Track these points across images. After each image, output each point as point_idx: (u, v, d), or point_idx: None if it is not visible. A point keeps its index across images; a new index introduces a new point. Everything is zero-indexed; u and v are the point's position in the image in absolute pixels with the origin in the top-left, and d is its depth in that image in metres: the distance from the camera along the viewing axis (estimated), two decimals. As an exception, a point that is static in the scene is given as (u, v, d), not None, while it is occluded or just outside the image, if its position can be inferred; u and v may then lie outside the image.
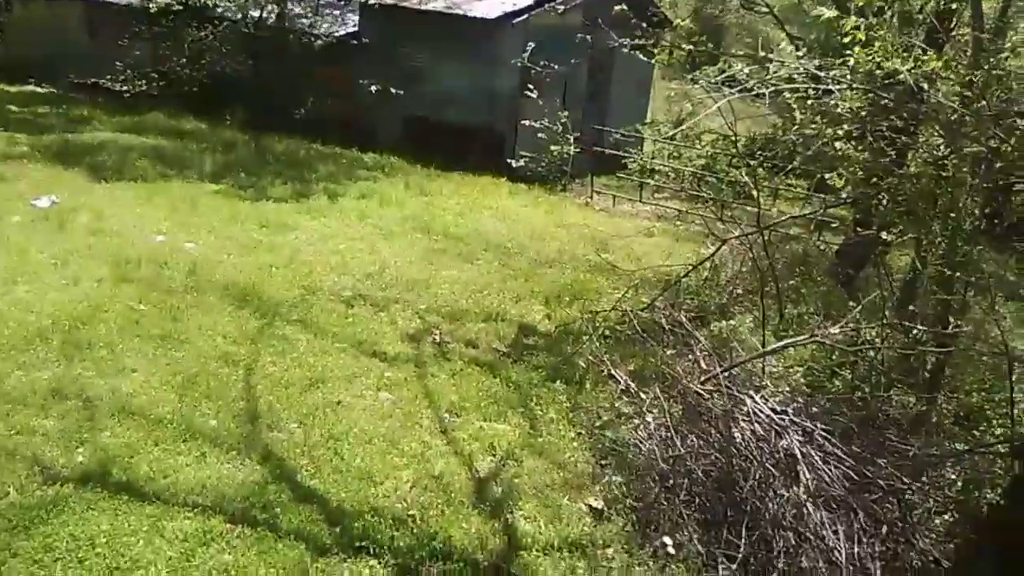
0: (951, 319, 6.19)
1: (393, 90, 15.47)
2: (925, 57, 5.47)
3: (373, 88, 15.54)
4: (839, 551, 4.68)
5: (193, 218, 9.85)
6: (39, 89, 19.44)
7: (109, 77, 17.56)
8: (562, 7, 15.54)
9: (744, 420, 5.30)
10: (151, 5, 17.04)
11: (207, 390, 5.97)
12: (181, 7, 16.84)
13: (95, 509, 4.64)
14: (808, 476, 4.96)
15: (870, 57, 5.89)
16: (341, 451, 5.46)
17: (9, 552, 4.26)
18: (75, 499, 4.70)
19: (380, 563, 4.52)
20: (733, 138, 9.88)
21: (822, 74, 5.99)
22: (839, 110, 6.48)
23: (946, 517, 5.55)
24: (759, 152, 13.33)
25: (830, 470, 5.08)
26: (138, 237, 8.89)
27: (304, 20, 17.41)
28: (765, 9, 21.35)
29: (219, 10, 17.17)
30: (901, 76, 5.63)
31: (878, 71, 5.97)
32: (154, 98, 17.12)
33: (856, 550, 4.74)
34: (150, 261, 8.15)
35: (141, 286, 7.56)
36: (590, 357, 7.24)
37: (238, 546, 4.49)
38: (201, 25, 16.79)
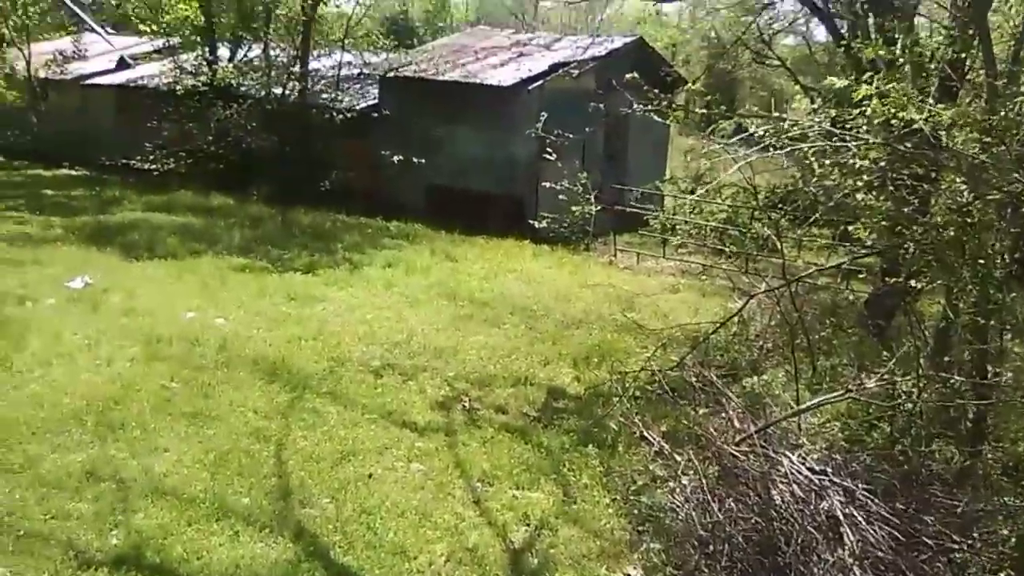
0: (989, 367, 6.07)
1: (414, 160, 15.75)
2: (940, 108, 5.48)
3: (395, 159, 15.83)
4: (890, 616, 4.51)
5: (223, 293, 9.99)
6: (73, 172, 20.04)
7: (139, 158, 18.08)
8: (575, 71, 15.83)
9: (782, 482, 5.18)
10: (178, 87, 17.64)
11: (239, 467, 5.97)
12: (206, 88, 17.42)
13: (130, 595, 4.62)
14: (852, 538, 4.81)
15: (885, 108, 5.92)
16: (374, 526, 5.40)
17: (44, 642, 4.24)
18: (110, 584, 4.68)
19: (417, 642, 4.43)
20: (753, 191, 9.92)
21: (837, 131, 6.01)
22: (857, 163, 6.48)
23: (1001, 576, 5.35)
24: (780, 204, 13.35)
25: (875, 530, 4.93)
26: (169, 315, 9.01)
27: (325, 95, 17.89)
28: (777, 62, 21.64)
29: (243, 89, 17.72)
30: (917, 125, 5.64)
31: (895, 120, 5.99)
32: (182, 176, 17.57)
33: (908, 614, 4.56)
34: (181, 339, 8.25)
35: (173, 364, 7.65)
36: (621, 419, 7.16)
37: (273, 628, 4.43)
38: (226, 104, 17.30)
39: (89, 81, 21.51)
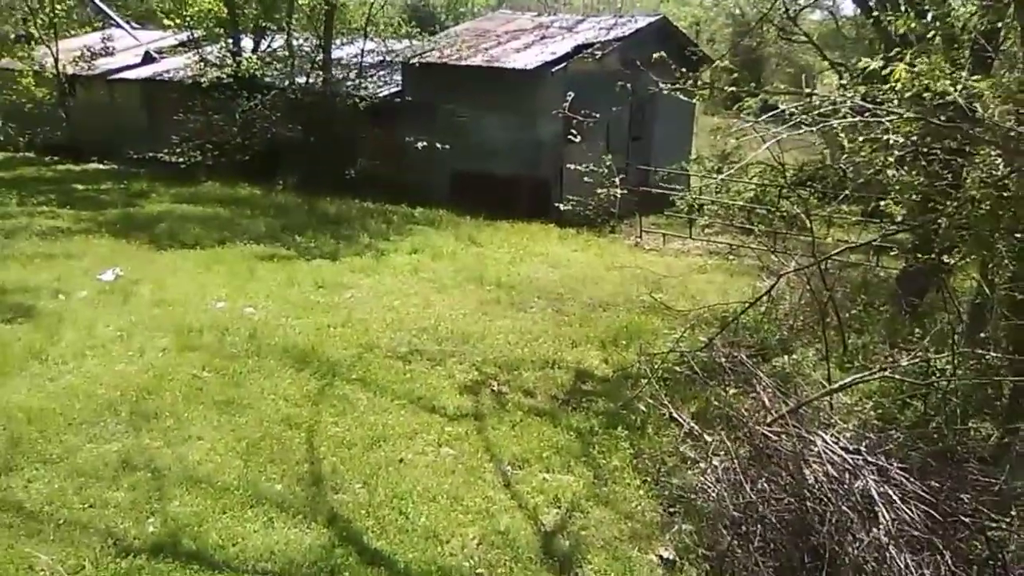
0: (1027, 343, 5.95)
1: (439, 145, 15.73)
2: (974, 79, 5.35)
3: (419, 145, 15.82)
4: (927, 595, 4.45)
5: (251, 283, 10.08)
6: (101, 166, 20.30)
7: (166, 150, 18.24)
8: (599, 52, 15.68)
9: (816, 461, 5.12)
10: (203, 80, 17.75)
11: (271, 454, 6.03)
12: (231, 79, 17.51)
13: (168, 581, 4.69)
14: (887, 517, 4.75)
15: (916, 81, 5.79)
16: (406, 510, 5.43)
17: (86, 627, 4.32)
18: (148, 570, 4.76)
19: (450, 625, 4.46)
20: (781, 169, 9.78)
21: (869, 105, 5.89)
22: (889, 138, 6.35)
23: (1041, 554, 5.26)
24: (808, 182, 13.15)
25: (910, 509, 4.86)
26: (199, 305, 9.11)
27: (349, 83, 17.90)
28: (804, 38, 21.26)
29: (267, 79, 17.78)
30: (951, 98, 5.51)
31: (926, 93, 5.86)
32: (209, 168, 17.71)
33: (945, 593, 4.50)
34: (212, 328, 8.34)
35: (204, 353, 7.73)
36: (650, 401, 7.12)
37: (308, 612, 4.48)
38: (251, 95, 17.38)
39: (116, 76, 21.72)
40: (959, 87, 5.47)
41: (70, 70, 22.01)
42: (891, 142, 6.26)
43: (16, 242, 11.70)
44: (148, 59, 22.27)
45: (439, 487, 5.74)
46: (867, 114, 6.02)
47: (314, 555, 4.93)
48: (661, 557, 5.20)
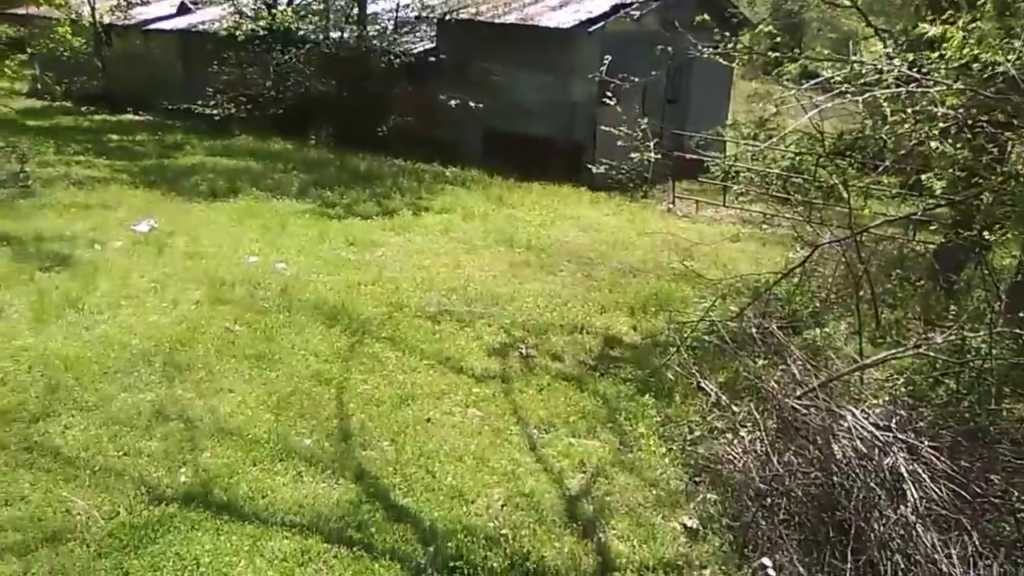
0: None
1: (472, 104, 15.60)
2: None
3: (452, 103, 15.70)
4: (953, 575, 4.43)
5: (283, 238, 10.14)
6: (136, 117, 20.43)
7: (200, 103, 18.29)
8: (637, 12, 15.39)
9: (845, 436, 5.09)
10: (238, 32, 17.70)
11: (301, 409, 6.11)
12: (266, 32, 17.44)
13: (199, 529, 4.79)
14: (915, 495, 4.72)
15: (966, 51, 5.61)
16: (433, 469, 5.49)
17: (121, 571, 4.44)
18: (180, 519, 4.87)
19: (474, 583, 4.52)
20: (820, 137, 9.58)
21: (916, 75, 5.72)
22: (935, 109, 6.18)
23: (1070, 537, 5.20)
24: (847, 152, 12.88)
25: (939, 488, 4.82)
26: (232, 259, 9.19)
27: (383, 39, 17.76)
28: (848, 3, 20.67)
29: (301, 33, 17.69)
30: (1001, 69, 5.35)
31: (975, 64, 5.69)
32: (242, 121, 17.75)
33: (971, 574, 4.48)
34: (244, 282, 8.41)
35: (236, 307, 7.82)
36: (678, 369, 7.10)
37: (335, 566, 4.56)
38: (285, 49, 17.32)
39: (151, 26, 21.74)
40: (1011, 58, 5.30)
41: (106, 19, 22.05)
42: (937, 114, 6.10)
43: (53, 191, 11.84)
44: (184, 9, 22.24)
45: (466, 447, 5.79)
46: (913, 84, 5.85)
47: (342, 510, 5.01)
48: (684, 525, 5.21)
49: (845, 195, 8.52)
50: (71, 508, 4.91)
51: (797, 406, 5.47)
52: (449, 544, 4.78)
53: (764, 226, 13.42)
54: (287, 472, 5.36)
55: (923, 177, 7.96)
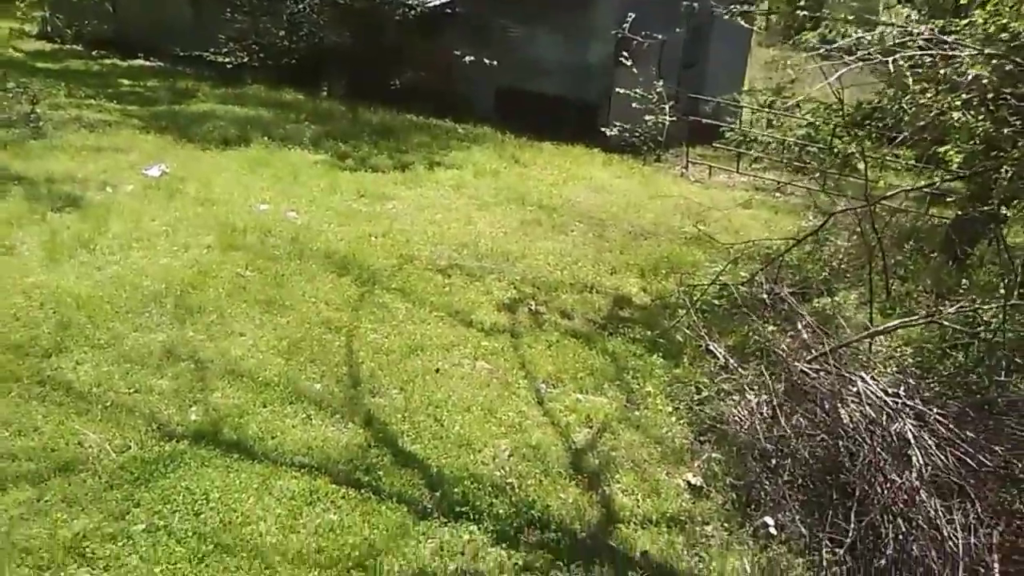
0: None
1: (486, 61, 15.41)
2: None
3: (466, 59, 15.51)
4: (954, 541, 4.47)
5: (295, 188, 10.09)
6: (147, 63, 20.21)
7: (212, 50, 18.07)
8: (659, -28, 15.11)
9: (853, 401, 5.10)
10: (252, -21, 17.44)
11: (311, 355, 6.14)
12: (280, -20, 17.19)
13: (209, 466, 4.85)
14: (921, 461, 4.75)
15: (994, 19, 5.52)
16: (441, 418, 5.53)
17: (132, 502, 4.50)
18: (190, 455, 4.92)
19: (479, 528, 4.58)
20: (839, 103, 9.47)
21: (944, 42, 5.63)
22: (961, 77, 6.09)
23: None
24: (864, 121, 12.74)
25: (945, 456, 4.85)
26: (243, 206, 9.16)
27: (398, -9, 17.49)
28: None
29: (315, -18, 17.42)
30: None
31: (1003, 34, 5.60)
32: (254, 70, 17.55)
33: (972, 540, 4.52)
34: (255, 230, 8.39)
35: (247, 253, 7.81)
36: (687, 331, 7.11)
37: (343, 506, 4.62)
38: (299, -3, 17.08)
39: (164, -30, 21.41)
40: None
41: (119, -38, 21.71)
42: (962, 83, 6.02)
43: (65, 133, 11.77)
44: (197, -46, 21.90)
45: (473, 398, 5.83)
46: (938, 51, 5.77)
47: (350, 453, 5.06)
48: (688, 482, 5.26)
49: (861, 165, 8.45)
50: (83, 441, 4.96)
51: (807, 369, 5.49)
52: (456, 490, 4.84)
53: (777, 194, 13.33)
54: (296, 415, 5.40)
55: (941, 150, 7.88)
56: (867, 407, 4.99)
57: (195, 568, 4.11)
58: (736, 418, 5.75)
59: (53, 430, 5.01)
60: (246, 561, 4.18)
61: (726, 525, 4.93)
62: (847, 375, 5.29)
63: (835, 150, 12.59)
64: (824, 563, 4.64)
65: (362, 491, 4.74)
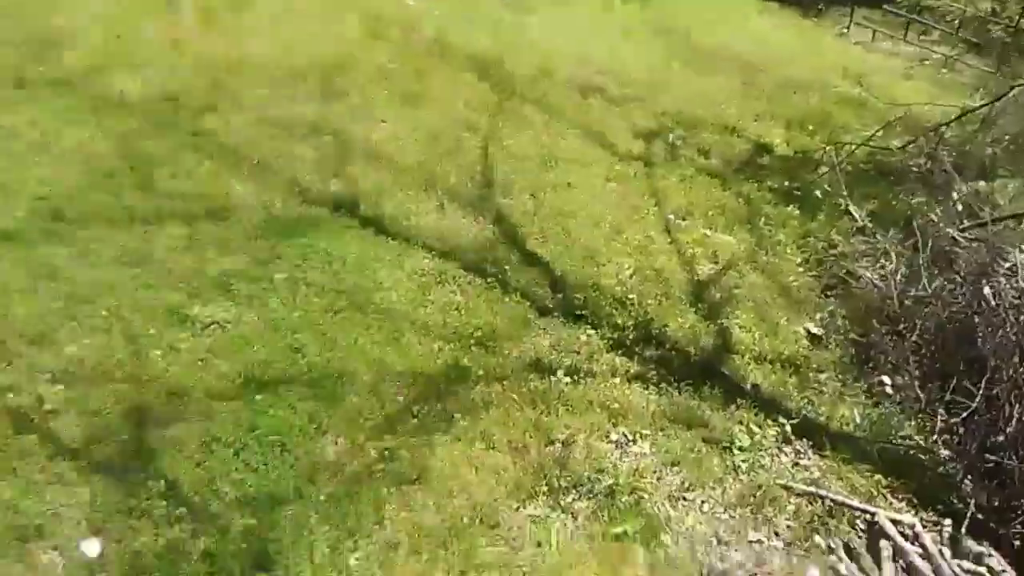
0: None
1: None
2: None
3: None
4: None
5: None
6: None
7: None
8: None
9: (1005, 275, 4.83)
10: None
11: (448, 149, 6.19)
12: None
13: (345, 234, 5.05)
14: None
15: None
16: (568, 228, 5.55)
17: (274, 253, 4.76)
18: (329, 221, 5.14)
19: (597, 333, 4.68)
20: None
21: None
22: None
23: None
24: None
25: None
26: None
27: None
28: None
29: None
30: None
31: None
32: None
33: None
34: (399, 23, 8.29)
35: (390, 46, 7.76)
36: (828, 188, 6.79)
37: (468, 291, 4.78)
38: None
39: None
40: None
41: None
42: None
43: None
44: None
45: (602, 216, 5.80)
46: None
47: (479, 245, 5.18)
48: (808, 331, 5.19)
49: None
50: (230, 192, 5.20)
51: (959, 237, 5.20)
52: (577, 296, 4.91)
53: (944, 70, 12.26)
54: (431, 201, 5.52)
55: None
56: (1019, 280, 4.71)
57: (330, 319, 4.36)
58: (868, 279, 5.55)
59: (204, 177, 5.27)
60: (376, 321, 4.40)
61: (841, 376, 4.87)
62: (1003, 247, 4.98)
63: (1020, 30, 11.43)
64: (936, 428, 4.56)
65: (488, 280, 4.87)
